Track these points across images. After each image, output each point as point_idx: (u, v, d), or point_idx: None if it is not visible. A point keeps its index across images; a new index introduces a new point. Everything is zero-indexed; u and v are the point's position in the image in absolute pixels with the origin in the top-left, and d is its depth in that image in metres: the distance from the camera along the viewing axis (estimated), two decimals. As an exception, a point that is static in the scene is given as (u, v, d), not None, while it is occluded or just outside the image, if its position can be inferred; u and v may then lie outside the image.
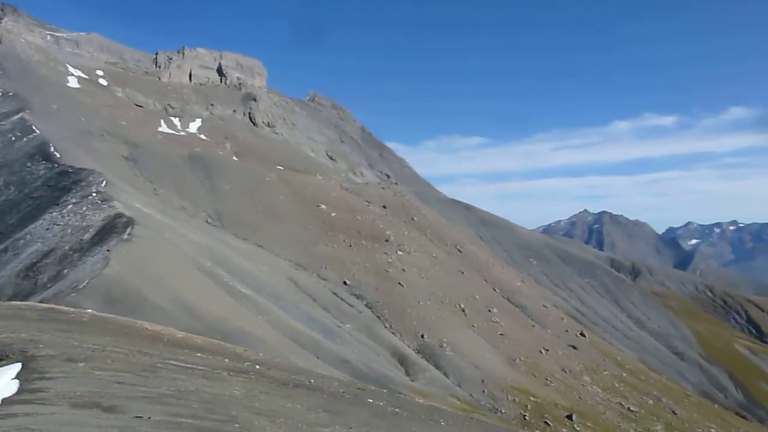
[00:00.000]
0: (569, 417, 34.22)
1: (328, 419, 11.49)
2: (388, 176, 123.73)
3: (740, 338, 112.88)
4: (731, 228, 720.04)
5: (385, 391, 25.03)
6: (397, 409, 16.78)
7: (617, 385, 47.18)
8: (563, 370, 43.94)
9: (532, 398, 35.29)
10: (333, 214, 55.00)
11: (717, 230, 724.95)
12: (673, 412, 46.73)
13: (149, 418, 7.53)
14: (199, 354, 18.11)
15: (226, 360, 18.33)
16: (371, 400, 16.99)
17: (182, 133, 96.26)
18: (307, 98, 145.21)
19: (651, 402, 46.75)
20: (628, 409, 41.94)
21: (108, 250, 30.92)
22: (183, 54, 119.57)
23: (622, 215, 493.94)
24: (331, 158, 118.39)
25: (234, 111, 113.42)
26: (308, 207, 56.22)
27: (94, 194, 42.52)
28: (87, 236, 35.42)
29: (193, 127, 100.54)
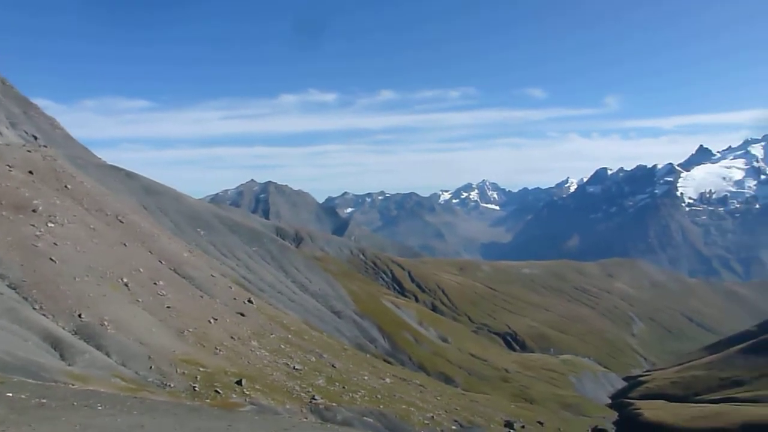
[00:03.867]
0: (239, 382, 34.60)
1: (-49, 423, 9.50)
2: (36, 137, 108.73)
3: (387, 294, 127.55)
4: (380, 198, 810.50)
5: (32, 381, 22.10)
6: (44, 400, 14.83)
7: (283, 346, 49.28)
8: (232, 337, 44.23)
9: (201, 368, 34.75)
10: (-38, 182, 46.49)
11: (368, 199, 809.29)
12: (333, 365, 50.63)
13: None
14: None
15: None
16: (11, 394, 14.71)
17: None
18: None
19: (314, 359, 49.96)
20: (294, 368, 44.13)
21: None
22: None
23: (287, 185, 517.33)
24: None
25: None
26: (-73, 172, 46.60)
27: None
28: None
29: None
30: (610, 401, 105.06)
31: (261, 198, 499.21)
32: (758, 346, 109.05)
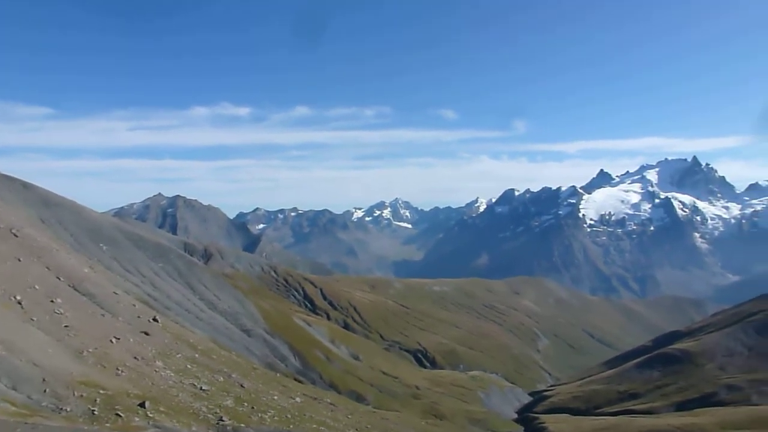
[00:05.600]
0: (142, 405, 33.06)
1: None
2: None
3: (298, 312, 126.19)
4: (293, 214, 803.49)
5: None
6: (-74, 427, 13.60)
7: (190, 366, 47.60)
8: (135, 357, 42.33)
9: (101, 391, 32.97)
10: None
11: (281, 216, 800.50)
12: (241, 385, 49.34)
13: None
14: None
15: None
16: None
17: None
18: None
19: (222, 379, 48.51)
20: (201, 388, 42.67)
21: None
22: None
23: (196, 200, 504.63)
24: None
25: None
26: None
27: None
28: None
29: None
30: (516, 416, 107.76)
31: (168, 212, 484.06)
32: (652, 361, 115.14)
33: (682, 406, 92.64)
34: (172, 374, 43.13)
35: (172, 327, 60.24)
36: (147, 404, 33.33)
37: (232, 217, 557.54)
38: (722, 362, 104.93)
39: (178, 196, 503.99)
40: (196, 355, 52.39)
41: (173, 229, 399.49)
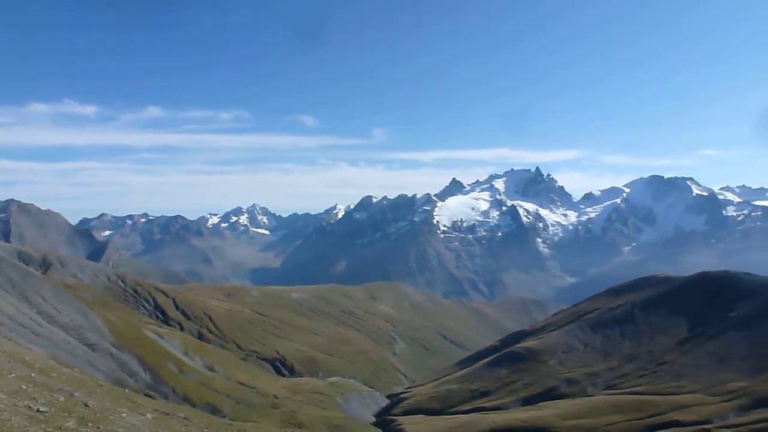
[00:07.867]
0: (-34, 433, 29.62)
1: None
2: None
3: (149, 323, 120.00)
4: (142, 220, 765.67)
5: None
6: None
7: (25, 387, 43.38)
8: (-41, 379, 38.01)
9: None
10: None
11: (129, 222, 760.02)
12: (85, 404, 45.68)
13: None
14: None
15: None
16: None
17: None
18: None
19: (63, 398, 44.65)
20: (38, 410, 38.97)
21: None
22: None
23: (33, 204, 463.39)
24: None
25: None
26: None
27: None
28: None
29: None
30: (374, 419, 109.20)
31: (0, 218, 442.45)
32: (500, 359, 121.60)
33: (528, 401, 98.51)
34: (4, 396, 39.11)
35: (4, 344, 54.80)
36: (-27, 432, 29.92)
37: (74, 223, 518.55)
38: (562, 358, 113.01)
39: (11, 200, 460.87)
40: (33, 374, 47.93)
41: (6, 237, 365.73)
